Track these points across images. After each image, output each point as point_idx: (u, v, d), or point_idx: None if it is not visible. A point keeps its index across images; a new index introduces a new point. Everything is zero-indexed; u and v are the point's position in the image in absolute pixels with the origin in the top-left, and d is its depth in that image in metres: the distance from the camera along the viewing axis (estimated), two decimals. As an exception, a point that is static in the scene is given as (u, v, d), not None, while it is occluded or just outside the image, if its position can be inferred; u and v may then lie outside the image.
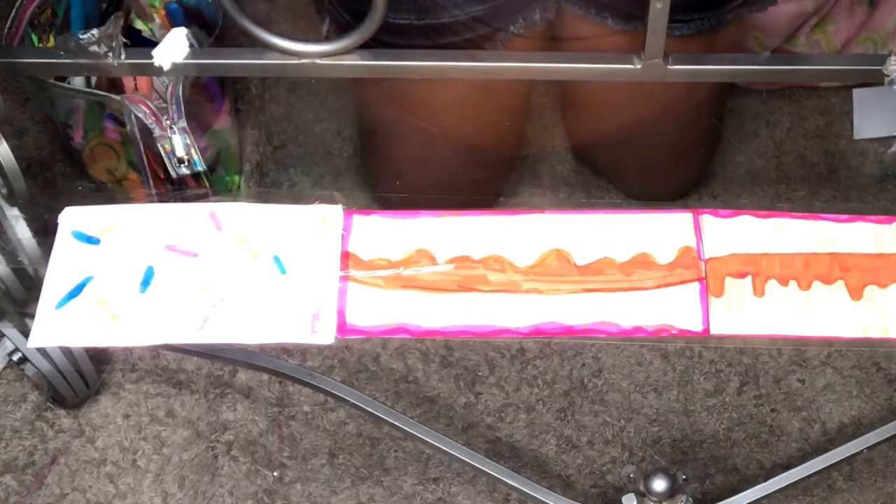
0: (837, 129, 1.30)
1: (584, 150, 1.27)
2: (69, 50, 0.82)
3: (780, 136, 1.29)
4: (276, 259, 0.77)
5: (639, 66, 0.80)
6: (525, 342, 1.14)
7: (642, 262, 0.78)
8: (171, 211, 0.80)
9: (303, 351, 1.14)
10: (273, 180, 1.26)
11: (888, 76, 0.78)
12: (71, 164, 1.26)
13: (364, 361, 1.14)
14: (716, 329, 0.76)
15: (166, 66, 0.81)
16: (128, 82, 1.16)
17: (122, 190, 1.20)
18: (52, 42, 1.20)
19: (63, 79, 1.15)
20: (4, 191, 0.90)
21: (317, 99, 1.32)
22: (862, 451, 0.93)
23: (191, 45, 0.82)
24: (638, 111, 1.13)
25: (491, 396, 1.11)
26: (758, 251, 0.79)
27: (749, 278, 0.78)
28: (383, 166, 1.21)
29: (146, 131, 1.12)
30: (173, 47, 0.81)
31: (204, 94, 1.19)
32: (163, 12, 1.24)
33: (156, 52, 0.81)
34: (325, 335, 0.76)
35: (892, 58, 0.78)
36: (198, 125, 1.16)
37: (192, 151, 1.13)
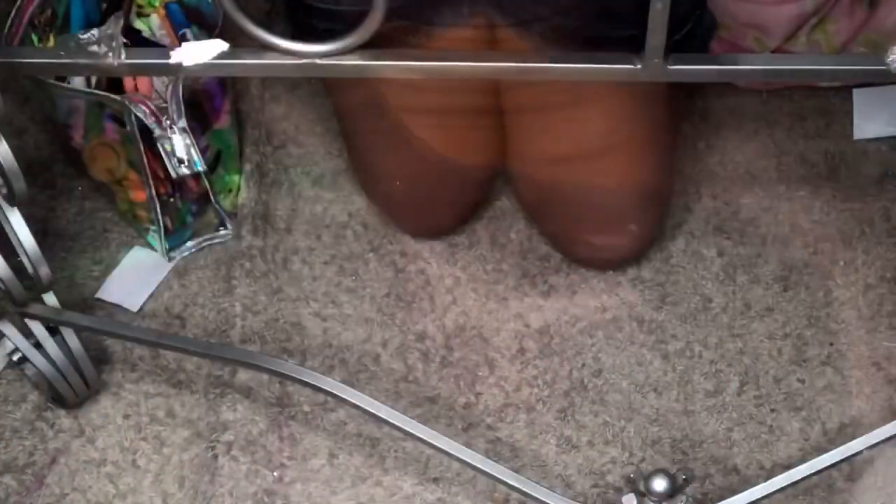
0: (837, 129, 1.30)
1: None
2: (69, 50, 0.82)
3: (780, 136, 1.29)
4: None
5: (639, 67, 0.80)
6: (525, 342, 1.14)
7: None
8: None
9: (303, 351, 1.14)
10: (273, 180, 1.26)
11: (890, 64, 0.78)
12: (71, 164, 1.26)
13: (364, 361, 1.14)
14: None
15: (187, 63, 0.80)
16: (128, 82, 1.16)
17: (122, 190, 1.20)
18: (52, 42, 1.20)
19: (63, 79, 1.15)
20: (4, 191, 0.90)
21: (317, 99, 1.32)
22: (862, 451, 0.93)
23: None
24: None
25: (491, 396, 1.11)
26: None
27: None
28: (369, 172, 1.21)
29: (146, 131, 1.12)
30: (200, 49, 0.81)
31: (204, 94, 1.19)
32: (163, 12, 1.24)
33: (177, 51, 0.81)
34: None
35: (894, 47, 0.78)
36: (198, 125, 1.16)
37: (192, 151, 1.13)
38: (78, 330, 1.04)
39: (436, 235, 1.22)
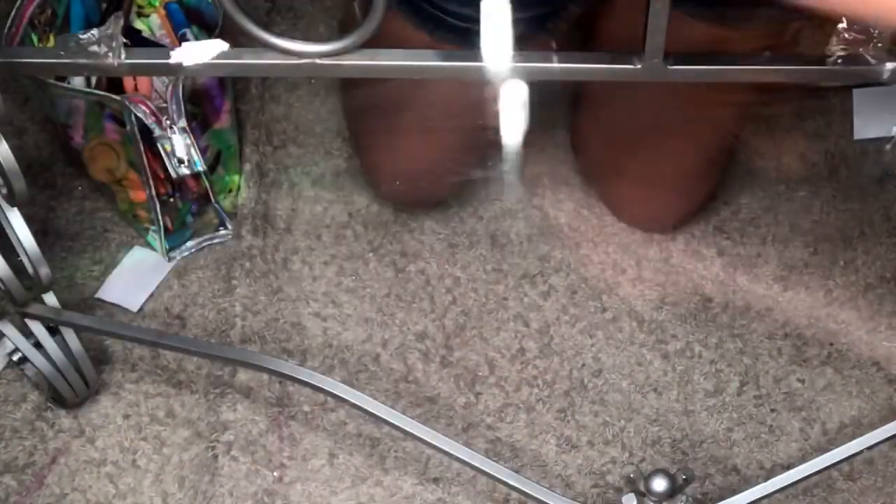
0: (837, 129, 1.30)
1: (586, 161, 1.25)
2: (69, 50, 0.81)
3: (781, 136, 1.30)
4: None
5: (638, 67, 0.80)
6: (525, 342, 1.14)
7: None
8: None
9: (303, 351, 1.14)
10: (273, 180, 1.27)
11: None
12: (71, 164, 1.26)
13: (364, 361, 1.13)
14: None
15: (187, 63, 0.80)
16: (128, 82, 1.16)
17: (122, 190, 1.20)
18: (52, 42, 1.20)
19: (63, 79, 1.15)
20: (4, 191, 0.90)
21: (317, 99, 1.32)
22: (862, 451, 0.93)
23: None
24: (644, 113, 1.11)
25: (491, 396, 1.11)
26: None
27: None
28: (383, 165, 1.20)
29: (146, 131, 1.12)
30: (200, 49, 0.81)
31: (204, 94, 1.19)
32: (163, 12, 1.24)
33: (177, 51, 0.81)
34: None
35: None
36: (198, 125, 1.16)
37: (192, 151, 1.13)
38: (78, 330, 1.04)
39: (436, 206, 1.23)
